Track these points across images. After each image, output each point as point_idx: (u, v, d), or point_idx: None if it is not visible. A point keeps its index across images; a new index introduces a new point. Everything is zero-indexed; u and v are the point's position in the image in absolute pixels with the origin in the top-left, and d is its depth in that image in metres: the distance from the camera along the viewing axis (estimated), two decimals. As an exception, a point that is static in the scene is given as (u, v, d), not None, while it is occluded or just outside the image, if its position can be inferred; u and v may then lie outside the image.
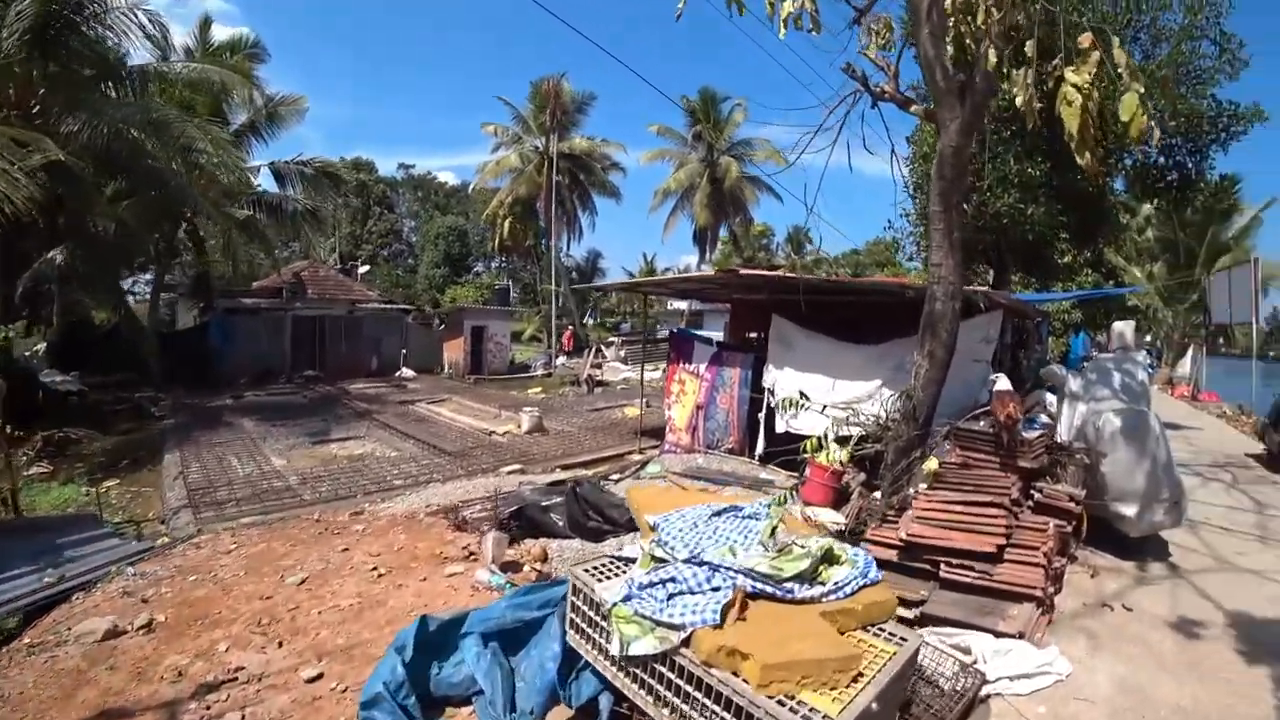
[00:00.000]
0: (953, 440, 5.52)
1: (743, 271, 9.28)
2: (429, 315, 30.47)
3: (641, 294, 17.89)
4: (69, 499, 10.50)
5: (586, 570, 3.57)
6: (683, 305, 37.33)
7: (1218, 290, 17.13)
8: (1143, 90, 3.60)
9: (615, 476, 11.32)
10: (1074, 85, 3.80)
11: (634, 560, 3.60)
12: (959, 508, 4.72)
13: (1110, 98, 4.31)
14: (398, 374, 25.96)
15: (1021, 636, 4.10)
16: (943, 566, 4.54)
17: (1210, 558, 5.81)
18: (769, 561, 3.33)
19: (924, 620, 4.38)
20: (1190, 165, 13.45)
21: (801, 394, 9.00)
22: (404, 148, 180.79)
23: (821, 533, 5.70)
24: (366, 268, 37.13)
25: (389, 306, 28.37)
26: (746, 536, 3.67)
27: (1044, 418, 6.62)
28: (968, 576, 4.42)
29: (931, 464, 5.44)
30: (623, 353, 29.29)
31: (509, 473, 11.32)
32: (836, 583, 3.30)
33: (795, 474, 7.63)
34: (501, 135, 35.01)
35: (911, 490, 5.26)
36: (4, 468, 9.18)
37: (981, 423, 5.45)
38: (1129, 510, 5.36)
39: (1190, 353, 24.50)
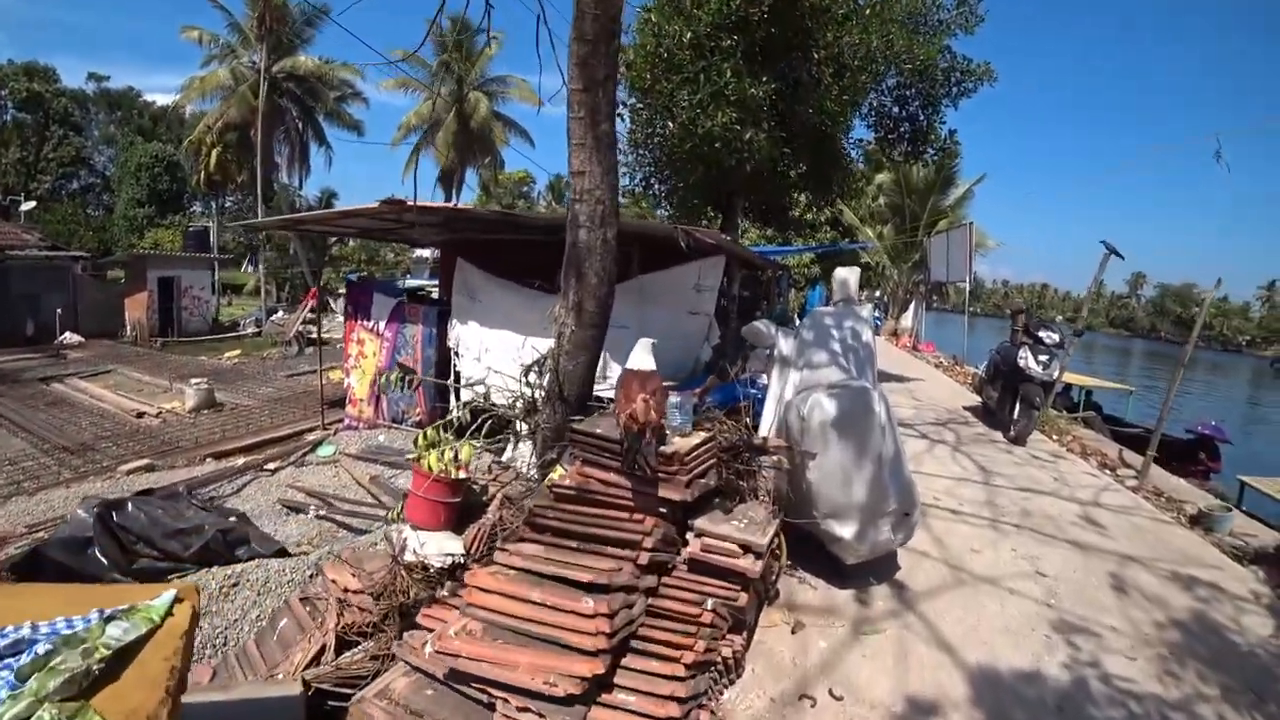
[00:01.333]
0: (571, 447, 3.58)
1: (410, 203, 6.78)
2: (102, 265, 24.08)
3: (310, 234, 15.42)
4: None
5: None
6: (427, 253, 33.51)
7: (936, 251, 17.78)
8: None
9: (273, 466, 8.69)
10: None
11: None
12: (540, 592, 2.54)
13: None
14: (58, 340, 20.02)
15: None
16: (499, 710, 2.33)
17: (944, 564, 4.50)
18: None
19: None
20: (923, 117, 13.05)
21: (486, 354, 7.06)
22: (105, 57, 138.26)
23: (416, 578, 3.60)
24: (32, 204, 28.73)
25: (50, 254, 21.78)
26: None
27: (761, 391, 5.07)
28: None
29: (556, 473, 3.52)
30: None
31: (129, 471, 8.86)
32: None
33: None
34: (210, 45, 27.66)
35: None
36: None
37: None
38: (845, 531, 3.73)
39: (912, 307, 26.06)
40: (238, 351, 19.76)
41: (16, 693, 1.51)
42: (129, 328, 22.04)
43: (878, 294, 30.99)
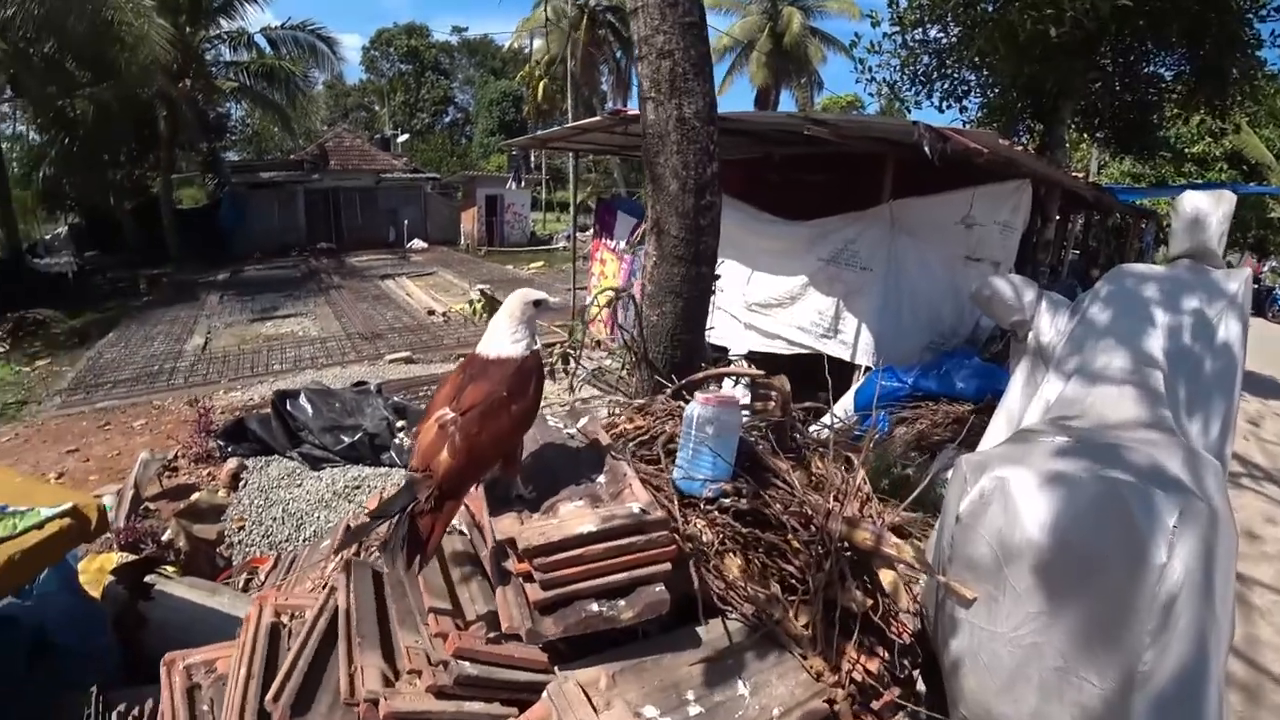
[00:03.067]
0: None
1: (629, 112, 5.63)
2: (449, 185, 27.42)
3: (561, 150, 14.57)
4: None
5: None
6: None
7: None
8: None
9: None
10: None
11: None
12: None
13: None
14: (408, 245, 23.44)
15: None
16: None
17: None
18: None
19: None
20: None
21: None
22: (463, 11, 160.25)
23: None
24: (405, 136, 33.82)
25: (410, 176, 25.51)
26: None
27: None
28: None
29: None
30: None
31: (390, 360, 9.65)
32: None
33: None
34: (535, -16, 29.16)
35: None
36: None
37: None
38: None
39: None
40: (540, 263, 21.05)
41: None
42: (463, 238, 25.04)
43: (1273, 262, 20.88)
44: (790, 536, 1.90)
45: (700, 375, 2.60)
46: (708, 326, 3.28)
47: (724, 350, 5.84)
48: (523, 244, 24.66)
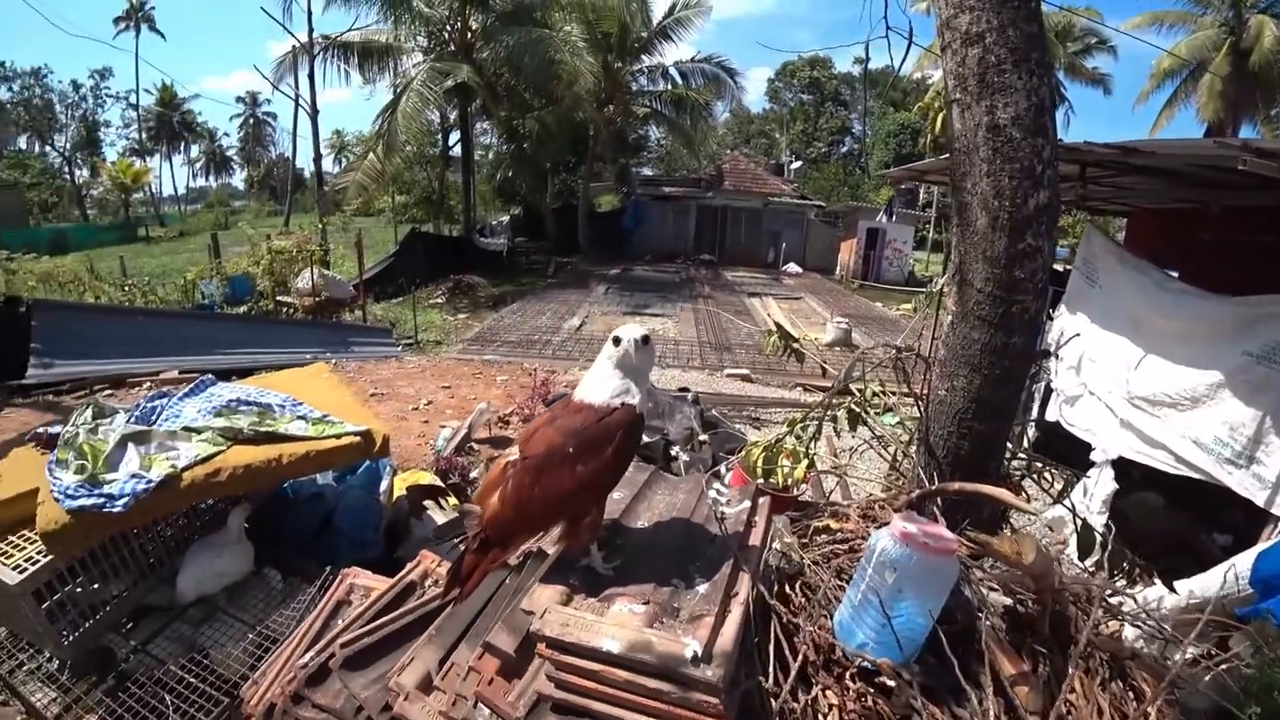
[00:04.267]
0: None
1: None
2: (832, 214, 26.40)
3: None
4: (430, 321, 12.84)
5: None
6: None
7: None
8: None
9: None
10: None
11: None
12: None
13: None
14: (783, 268, 23.16)
15: None
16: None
17: None
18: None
19: None
20: None
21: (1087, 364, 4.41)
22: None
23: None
24: (798, 163, 33.86)
25: (797, 202, 25.44)
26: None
27: None
28: None
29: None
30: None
31: (729, 374, 9.47)
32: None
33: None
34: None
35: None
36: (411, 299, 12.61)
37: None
38: None
39: None
40: (911, 305, 18.91)
41: (208, 421, 2.54)
42: (838, 268, 23.90)
43: None
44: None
45: (955, 487, 1.87)
46: (1050, 415, 2.93)
47: (1086, 447, 4.24)
48: (898, 282, 22.51)
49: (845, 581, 1.65)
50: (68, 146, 48.11)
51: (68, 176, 45.71)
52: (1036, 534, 2.91)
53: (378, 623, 1.79)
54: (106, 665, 2.23)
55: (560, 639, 1.31)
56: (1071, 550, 3.72)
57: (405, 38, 18.53)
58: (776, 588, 1.70)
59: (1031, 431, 4.72)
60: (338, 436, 2.71)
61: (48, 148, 46.99)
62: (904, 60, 2.86)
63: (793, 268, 23.23)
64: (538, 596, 1.48)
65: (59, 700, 2.13)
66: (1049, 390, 4.97)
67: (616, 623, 1.35)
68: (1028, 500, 2.18)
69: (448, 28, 18.89)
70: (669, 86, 23.07)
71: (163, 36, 48.81)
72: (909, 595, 1.42)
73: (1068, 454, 4.09)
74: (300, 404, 2.90)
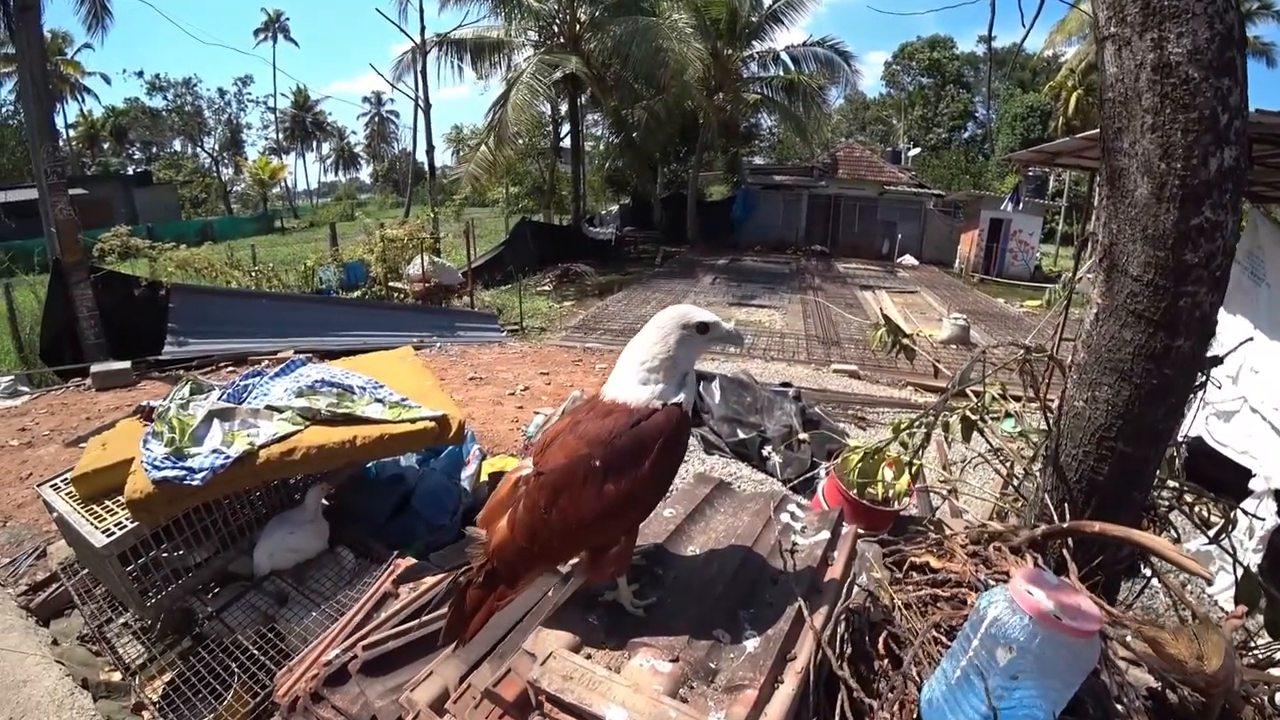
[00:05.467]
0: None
1: None
2: (952, 204, 24.51)
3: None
4: (535, 308, 13.19)
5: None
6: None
7: None
8: None
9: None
10: None
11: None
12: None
13: None
14: (898, 260, 21.91)
15: None
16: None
17: None
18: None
19: None
20: None
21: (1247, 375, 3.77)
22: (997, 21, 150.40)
23: None
24: (916, 150, 31.75)
25: (914, 191, 23.91)
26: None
27: None
28: None
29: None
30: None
31: (836, 370, 9.03)
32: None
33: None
34: (1084, -17, 23.68)
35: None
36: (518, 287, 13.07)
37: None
38: None
39: None
40: (1037, 302, 17.36)
41: (289, 401, 2.62)
42: (958, 260, 22.29)
43: None
44: None
45: (1097, 528, 1.42)
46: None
47: (1238, 470, 3.66)
48: (1023, 277, 20.72)
49: (945, 635, 1.29)
50: (215, 147, 52.69)
51: (215, 175, 50.16)
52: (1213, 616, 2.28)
53: (406, 626, 1.69)
54: (187, 627, 2.34)
55: (559, 696, 1.07)
56: (1216, 590, 3.19)
57: (515, 32, 18.95)
58: (854, 640, 1.35)
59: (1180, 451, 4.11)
60: (412, 421, 2.69)
61: (198, 149, 51.75)
62: (1036, 16, 2.43)
63: (908, 259, 21.97)
64: (549, 635, 1.23)
65: (144, 655, 2.25)
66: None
67: (631, 683, 1.09)
68: (1177, 542, 1.69)
69: (557, 20, 19.16)
70: (780, 72, 22.32)
71: (296, 44, 53.11)
72: (1028, 682, 1.06)
73: (1213, 477, 3.52)
74: (381, 386, 2.93)
